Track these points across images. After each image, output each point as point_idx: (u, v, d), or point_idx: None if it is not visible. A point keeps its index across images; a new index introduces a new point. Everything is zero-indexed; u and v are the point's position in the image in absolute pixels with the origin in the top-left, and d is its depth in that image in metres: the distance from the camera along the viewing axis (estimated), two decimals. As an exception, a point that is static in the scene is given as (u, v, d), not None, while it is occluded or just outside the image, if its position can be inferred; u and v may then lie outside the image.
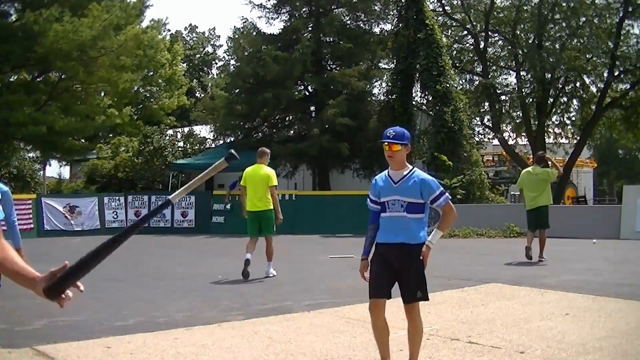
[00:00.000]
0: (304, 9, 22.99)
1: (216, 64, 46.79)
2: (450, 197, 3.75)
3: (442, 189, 3.72)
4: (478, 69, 26.72)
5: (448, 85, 18.32)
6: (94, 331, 5.15)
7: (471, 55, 26.88)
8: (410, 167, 3.78)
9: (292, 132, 22.66)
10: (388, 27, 23.13)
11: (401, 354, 4.31)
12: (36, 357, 4.35)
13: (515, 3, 24.70)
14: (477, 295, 6.62)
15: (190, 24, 55.22)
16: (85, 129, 23.32)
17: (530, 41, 25.09)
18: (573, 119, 27.45)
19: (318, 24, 22.11)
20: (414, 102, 20.11)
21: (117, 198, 18.46)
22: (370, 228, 3.87)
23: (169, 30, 42.20)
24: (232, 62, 27.81)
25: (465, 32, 26.43)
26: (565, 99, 26.63)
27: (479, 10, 25.50)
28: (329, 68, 23.17)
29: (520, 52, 25.47)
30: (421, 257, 3.73)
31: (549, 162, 10.41)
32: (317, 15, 22.32)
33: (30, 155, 29.66)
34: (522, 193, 10.30)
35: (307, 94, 23.19)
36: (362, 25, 23.69)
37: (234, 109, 21.77)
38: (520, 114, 26.06)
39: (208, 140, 25.06)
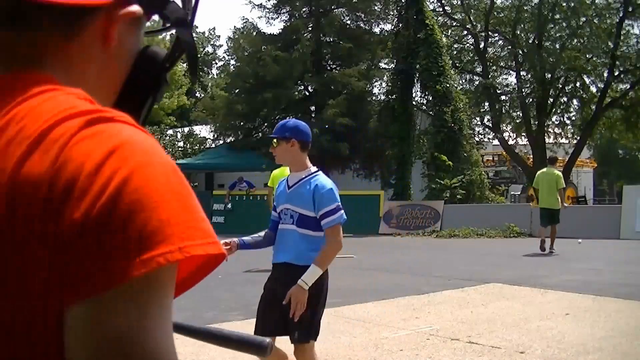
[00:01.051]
0: (304, 9, 22.99)
1: (216, 64, 46.81)
2: (345, 219, 2.92)
3: (338, 204, 2.91)
4: (478, 69, 26.75)
5: (448, 85, 18.32)
6: (94, 331, 5.14)
7: (471, 55, 26.90)
8: (314, 169, 3.02)
9: (292, 132, 22.64)
10: (388, 27, 23.14)
11: (401, 354, 4.31)
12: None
13: (515, 3, 24.74)
14: (477, 295, 6.62)
15: (190, 24, 55.19)
16: (85, 129, 23.34)
17: (530, 41, 25.13)
18: (573, 119, 27.50)
19: (318, 24, 22.11)
20: (414, 102, 20.11)
21: (117, 198, 18.46)
22: (264, 234, 3.12)
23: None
24: (232, 62, 27.85)
25: (465, 32, 26.45)
26: (565, 99, 26.67)
27: (479, 10, 25.53)
28: (329, 68, 23.17)
29: (520, 52, 25.49)
30: (289, 299, 2.80)
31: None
32: (317, 15, 22.32)
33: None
34: (535, 192, 11.34)
35: (307, 94, 23.19)
36: (362, 25, 23.68)
37: (234, 109, 21.78)
38: (520, 114, 26.10)
39: (208, 140, 25.07)
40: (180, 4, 0.72)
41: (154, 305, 0.54)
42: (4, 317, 0.53)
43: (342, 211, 2.92)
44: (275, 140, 2.96)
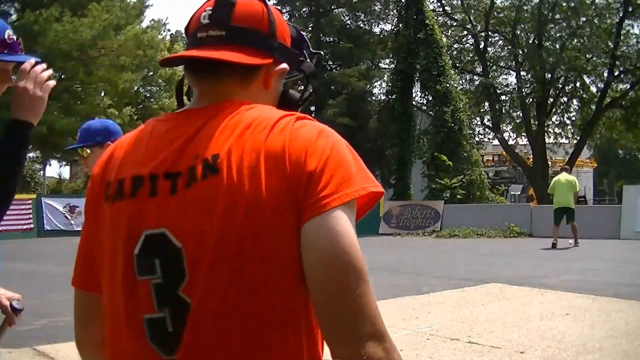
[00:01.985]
0: (304, 9, 23.01)
1: (216, 63, 46.81)
2: None
3: None
4: (478, 69, 26.74)
5: (448, 85, 18.31)
6: (94, 331, 5.14)
7: (471, 55, 26.89)
8: None
9: (292, 132, 22.67)
10: (388, 27, 23.18)
11: (401, 354, 4.30)
12: (36, 357, 4.36)
13: (515, 3, 24.72)
14: (477, 295, 6.62)
15: (190, 24, 55.15)
16: (85, 129, 23.30)
17: (530, 41, 25.11)
18: (573, 119, 27.48)
19: (318, 24, 22.12)
20: (414, 102, 20.11)
21: (117, 198, 18.44)
22: None
23: (169, 30, 42.22)
24: (232, 62, 27.81)
25: (465, 32, 26.44)
26: (565, 99, 26.66)
27: (479, 10, 25.52)
28: (329, 68, 23.17)
29: (520, 52, 25.48)
30: None
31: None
32: (317, 15, 22.34)
33: (30, 155, 29.70)
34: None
35: (307, 94, 23.20)
36: (362, 25, 23.71)
37: (233, 109, 21.81)
38: (520, 114, 26.08)
39: (208, 140, 25.07)
40: (308, 59, 1.12)
41: (351, 219, 0.88)
42: (265, 244, 0.87)
43: None
44: (83, 149, 2.55)
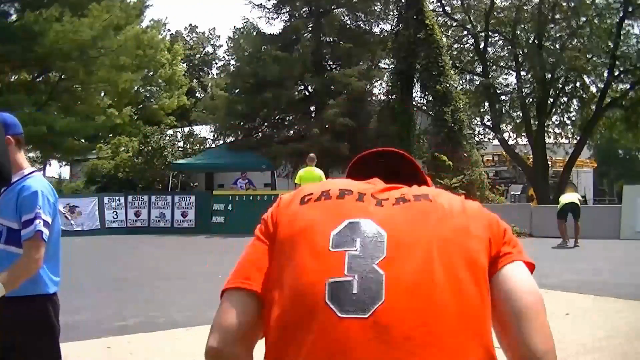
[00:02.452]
0: (304, 9, 22.97)
1: (216, 64, 46.76)
2: (44, 232, 2.25)
3: (38, 212, 2.26)
4: (478, 69, 26.72)
5: (448, 85, 18.30)
6: (94, 331, 5.15)
7: (471, 55, 26.88)
8: (29, 170, 2.42)
9: (292, 132, 22.63)
10: (388, 27, 23.12)
11: None
12: (36, 357, 4.34)
13: (515, 3, 24.70)
14: (477, 295, 6.60)
15: (190, 24, 55.22)
16: (85, 129, 23.33)
17: (530, 41, 25.10)
18: (573, 119, 27.45)
19: (318, 24, 22.09)
20: (414, 102, 20.09)
21: (117, 198, 18.44)
22: None
23: (169, 30, 42.18)
24: (232, 62, 27.81)
25: (465, 32, 26.43)
26: (565, 99, 26.63)
27: (479, 10, 25.51)
28: (329, 68, 23.13)
29: (520, 52, 25.47)
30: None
31: None
32: (317, 15, 22.30)
33: (30, 155, 29.70)
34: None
35: (307, 94, 23.17)
36: (362, 25, 23.66)
37: (234, 109, 21.76)
38: (520, 114, 26.07)
39: (208, 140, 25.06)
40: None
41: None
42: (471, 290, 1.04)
43: (40, 221, 2.25)
44: None
